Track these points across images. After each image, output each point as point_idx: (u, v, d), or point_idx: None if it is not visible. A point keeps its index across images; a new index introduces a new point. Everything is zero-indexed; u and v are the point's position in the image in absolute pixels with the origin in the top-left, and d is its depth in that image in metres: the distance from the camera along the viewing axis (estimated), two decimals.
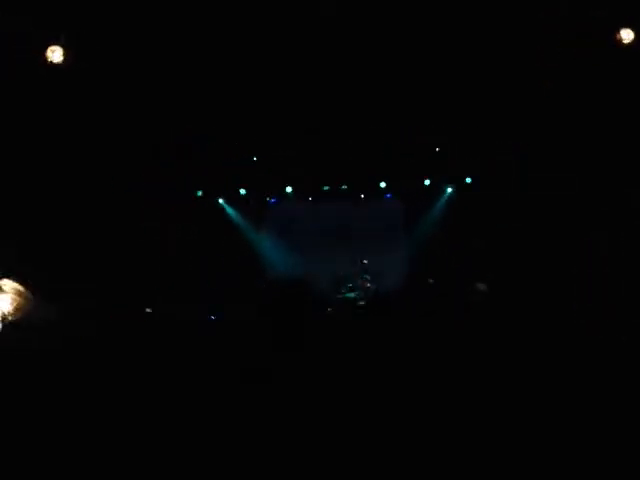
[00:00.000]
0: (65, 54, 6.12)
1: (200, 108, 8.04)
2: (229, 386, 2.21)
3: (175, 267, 8.96)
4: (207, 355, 2.60)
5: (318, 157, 9.41)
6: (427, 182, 10.24)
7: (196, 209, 9.91)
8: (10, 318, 2.06)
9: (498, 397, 2.25)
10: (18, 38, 5.86)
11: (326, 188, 10.37)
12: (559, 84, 7.33)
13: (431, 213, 10.44)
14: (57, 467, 1.81)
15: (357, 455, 1.95)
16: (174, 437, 1.96)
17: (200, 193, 10.20)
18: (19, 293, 2.11)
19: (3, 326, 2.05)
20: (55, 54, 6.07)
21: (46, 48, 6.07)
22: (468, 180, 9.96)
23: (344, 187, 10.35)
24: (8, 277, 2.17)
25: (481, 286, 5.58)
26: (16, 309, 2.08)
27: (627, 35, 6.29)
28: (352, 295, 9.53)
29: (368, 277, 9.61)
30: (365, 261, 9.72)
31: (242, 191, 10.37)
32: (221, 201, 10.63)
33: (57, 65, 6.14)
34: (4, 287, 2.11)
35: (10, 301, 2.08)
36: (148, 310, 6.06)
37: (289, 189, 10.31)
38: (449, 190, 10.36)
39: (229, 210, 10.64)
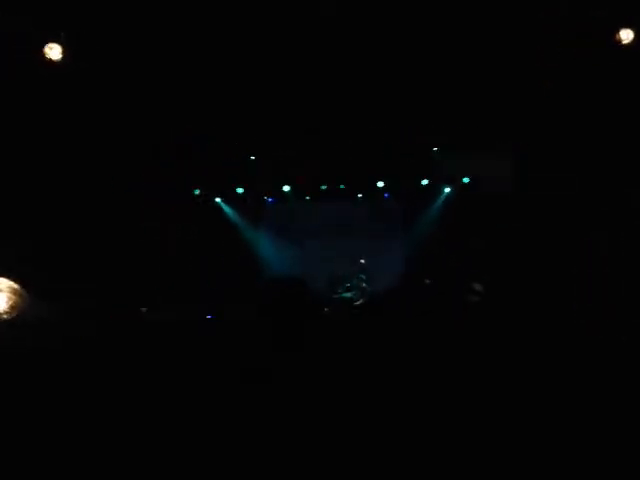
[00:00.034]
0: (64, 52, 6.11)
1: (198, 107, 8.04)
2: (226, 385, 2.20)
3: (173, 266, 8.95)
4: (204, 354, 2.59)
5: (316, 156, 9.41)
6: (425, 182, 10.23)
7: (194, 209, 9.90)
8: (5, 316, 2.04)
9: (496, 397, 2.24)
10: (16, 36, 5.84)
11: (324, 187, 10.35)
12: (559, 84, 7.33)
13: (429, 213, 10.43)
14: (53, 465, 1.80)
15: (355, 454, 1.94)
16: (173, 437, 1.95)
17: (197, 192, 10.18)
18: (14, 291, 2.10)
19: None
20: (53, 51, 6.05)
21: (44, 46, 6.06)
22: (465, 180, 9.95)
23: (342, 187, 10.33)
24: (3, 276, 2.16)
25: (478, 286, 5.59)
26: (11, 307, 2.06)
27: (626, 35, 6.30)
28: (349, 295, 9.54)
29: (364, 277, 9.62)
30: (363, 261, 9.73)
31: (240, 190, 10.34)
32: (218, 200, 10.61)
33: (55, 63, 6.12)
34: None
35: (5, 299, 2.07)
36: (143, 309, 6.05)
37: (287, 188, 10.29)
38: (447, 190, 10.35)
39: (227, 209, 10.63)
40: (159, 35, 6.46)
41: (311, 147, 9.16)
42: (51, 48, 6.08)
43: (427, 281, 8.56)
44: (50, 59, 6.10)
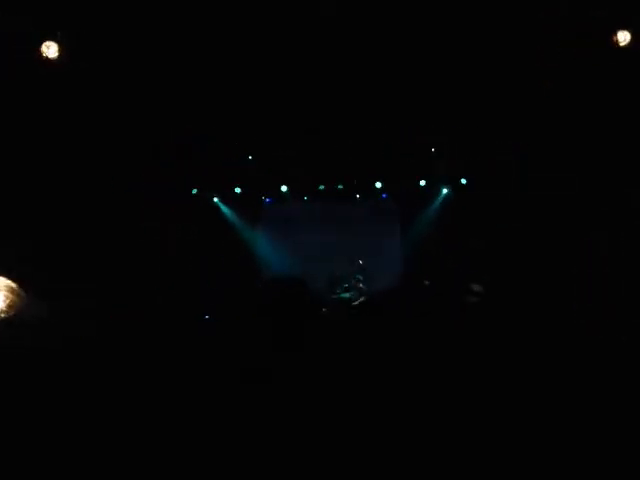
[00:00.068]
0: (61, 50, 6.09)
1: (197, 107, 8.03)
2: (226, 385, 2.20)
3: (172, 266, 8.93)
4: (203, 354, 2.59)
5: (314, 157, 9.41)
6: (422, 183, 10.23)
7: (192, 208, 9.88)
8: (2, 315, 2.03)
9: (496, 397, 2.24)
10: (13, 35, 5.82)
11: (322, 188, 10.34)
12: (559, 84, 7.34)
13: (427, 213, 10.43)
14: (52, 464, 1.79)
15: (354, 454, 1.94)
16: (174, 436, 1.95)
17: (195, 192, 10.17)
18: (11, 290, 2.09)
19: None
20: (50, 50, 6.03)
21: (41, 44, 6.04)
22: (463, 181, 9.96)
23: (340, 187, 10.33)
24: (2, 275, 2.15)
25: (476, 287, 5.59)
26: (9, 306, 2.06)
27: (623, 37, 6.31)
28: (347, 295, 9.54)
29: (361, 277, 9.62)
30: (361, 261, 9.73)
31: (237, 190, 10.34)
32: (216, 200, 10.60)
33: (52, 61, 6.10)
34: None
35: (3, 298, 2.06)
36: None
37: (284, 188, 10.29)
38: (445, 191, 10.35)
39: (224, 209, 10.61)
40: (158, 34, 6.46)
41: (309, 147, 9.15)
42: (48, 47, 6.07)
43: (426, 282, 8.56)
44: (47, 58, 6.09)
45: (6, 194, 6.76)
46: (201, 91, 7.67)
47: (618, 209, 7.14)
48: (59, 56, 6.09)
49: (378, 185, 10.27)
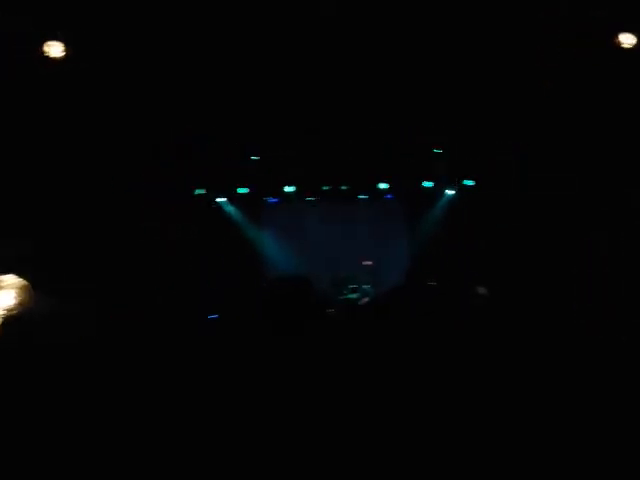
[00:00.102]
0: (63, 50, 6.10)
1: (199, 107, 8.03)
2: (228, 384, 2.20)
3: (173, 266, 8.93)
4: (206, 354, 2.59)
5: (318, 157, 9.40)
6: (427, 184, 10.22)
7: (196, 208, 9.88)
8: (13, 312, 2.05)
9: (500, 397, 2.25)
10: (15, 35, 5.83)
11: (326, 188, 10.34)
12: (559, 84, 7.35)
13: (432, 214, 10.43)
14: (55, 459, 1.80)
15: (356, 453, 1.95)
16: (173, 435, 1.95)
17: (199, 192, 10.16)
18: (22, 288, 2.11)
19: (6, 320, 2.04)
20: (53, 49, 6.04)
21: (44, 43, 6.05)
22: (467, 182, 9.96)
23: (344, 187, 10.33)
24: (11, 273, 2.17)
25: (482, 289, 5.59)
26: (19, 304, 2.07)
27: (626, 39, 6.31)
28: (354, 296, 9.55)
29: (368, 278, 9.63)
30: (367, 262, 9.76)
31: (242, 190, 10.33)
32: (220, 200, 10.59)
33: (55, 60, 6.11)
34: (7, 282, 2.11)
35: (13, 296, 2.08)
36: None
37: (289, 189, 10.29)
38: (449, 192, 10.35)
39: (229, 209, 10.60)
40: (159, 34, 6.46)
41: (314, 148, 9.15)
42: (50, 46, 6.08)
43: (432, 283, 8.57)
44: (50, 57, 6.10)
45: (6, 194, 6.77)
46: (205, 91, 7.67)
47: (618, 209, 7.15)
48: (62, 56, 6.09)
49: (383, 186, 10.28)
